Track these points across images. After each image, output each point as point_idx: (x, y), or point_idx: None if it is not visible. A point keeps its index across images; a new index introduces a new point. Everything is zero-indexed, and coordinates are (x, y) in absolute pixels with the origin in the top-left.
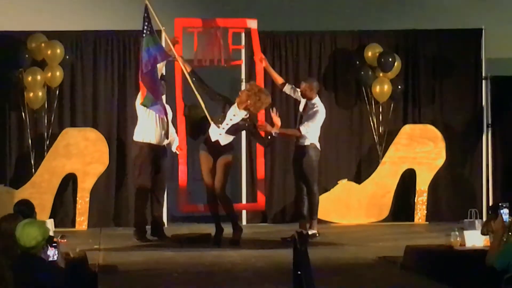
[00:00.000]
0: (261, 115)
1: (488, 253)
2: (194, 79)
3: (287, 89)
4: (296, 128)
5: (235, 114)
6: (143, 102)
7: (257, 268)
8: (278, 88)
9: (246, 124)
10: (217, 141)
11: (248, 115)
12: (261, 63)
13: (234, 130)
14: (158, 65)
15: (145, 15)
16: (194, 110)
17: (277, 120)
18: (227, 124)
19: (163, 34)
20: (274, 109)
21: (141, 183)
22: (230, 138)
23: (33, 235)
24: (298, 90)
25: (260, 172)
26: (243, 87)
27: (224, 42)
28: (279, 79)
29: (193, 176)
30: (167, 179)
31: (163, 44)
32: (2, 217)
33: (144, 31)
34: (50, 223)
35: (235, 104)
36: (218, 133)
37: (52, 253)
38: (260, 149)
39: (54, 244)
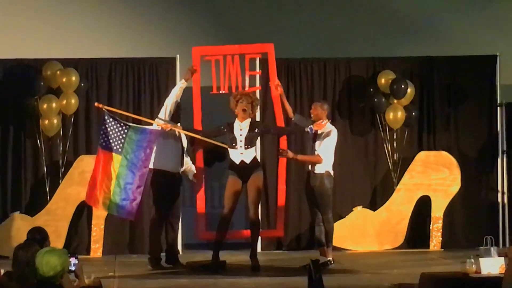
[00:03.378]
0: (283, 141)
1: (504, 280)
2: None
3: (297, 119)
4: (316, 154)
5: (241, 128)
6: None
7: None
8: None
9: (257, 130)
10: (242, 162)
11: (251, 121)
12: (277, 89)
13: (250, 141)
14: (176, 92)
15: (108, 120)
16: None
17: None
18: (241, 141)
19: (177, 62)
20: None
21: (156, 211)
22: (252, 153)
23: (53, 265)
24: (308, 119)
25: (281, 199)
26: (258, 113)
27: (241, 68)
28: (289, 110)
29: (212, 204)
30: (184, 206)
31: (178, 72)
32: (18, 245)
33: (120, 132)
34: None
35: (236, 120)
36: (239, 153)
37: (72, 264)
38: (281, 176)
39: (75, 254)
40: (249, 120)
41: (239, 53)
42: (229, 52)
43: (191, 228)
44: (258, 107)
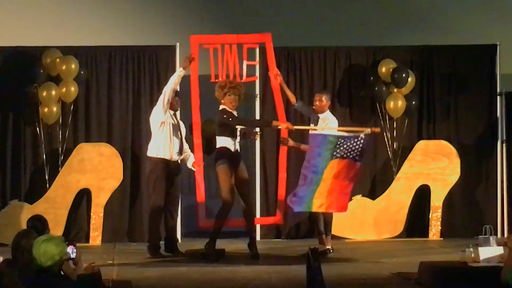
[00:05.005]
0: (284, 129)
1: (503, 269)
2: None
3: (299, 105)
4: None
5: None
6: None
7: (271, 284)
8: (291, 105)
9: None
10: (236, 151)
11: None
12: (276, 79)
13: (242, 132)
14: (174, 80)
15: None
16: (208, 125)
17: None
18: (238, 130)
19: (177, 50)
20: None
21: (155, 199)
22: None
23: (50, 255)
24: (310, 106)
25: (282, 187)
26: (257, 103)
27: (239, 58)
28: (292, 97)
29: (209, 193)
30: (182, 195)
31: (178, 60)
32: (18, 233)
33: None
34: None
35: (229, 109)
36: (236, 142)
37: (71, 251)
38: (282, 165)
39: (73, 242)
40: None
41: (237, 42)
42: (227, 41)
43: (190, 216)
44: (257, 98)
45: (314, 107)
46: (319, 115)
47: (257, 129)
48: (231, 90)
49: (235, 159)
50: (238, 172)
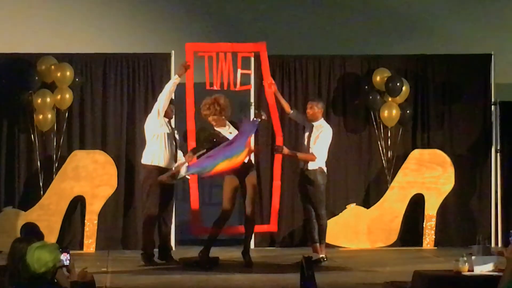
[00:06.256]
0: (279, 137)
1: (502, 280)
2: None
3: (294, 114)
4: (310, 152)
5: (231, 132)
6: None
7: None
8: (285, 114)
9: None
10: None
11: (231, 122)
12: (270, 88)
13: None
14: (169, 88)
15: None
16: (203, 133)
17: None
18: None
19: (172, 58)
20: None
21: (149, 207)
22: None
23: (43, 261)
24: (305, 115)
25: (276, 195)
26: (252, 111)
27: (233, 66)
28: (286, 106)
29: (203, 200)
30: (176, 201)
31: (173, 68)
32: (16, 239)
33: None
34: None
35: (216, 128)
36: None
37: (65, 258)
38: (276, 172)
39: (67, 249)
40: (227, 123)
41: (232, 51)
42: (222, 50)
43: (184, 224)
44: (252, 107)
45: (307, 117)
46: (313, 123)
47: (263, 113)
48: (207, 114)
49: (240, 171)
50: (246, 179)
